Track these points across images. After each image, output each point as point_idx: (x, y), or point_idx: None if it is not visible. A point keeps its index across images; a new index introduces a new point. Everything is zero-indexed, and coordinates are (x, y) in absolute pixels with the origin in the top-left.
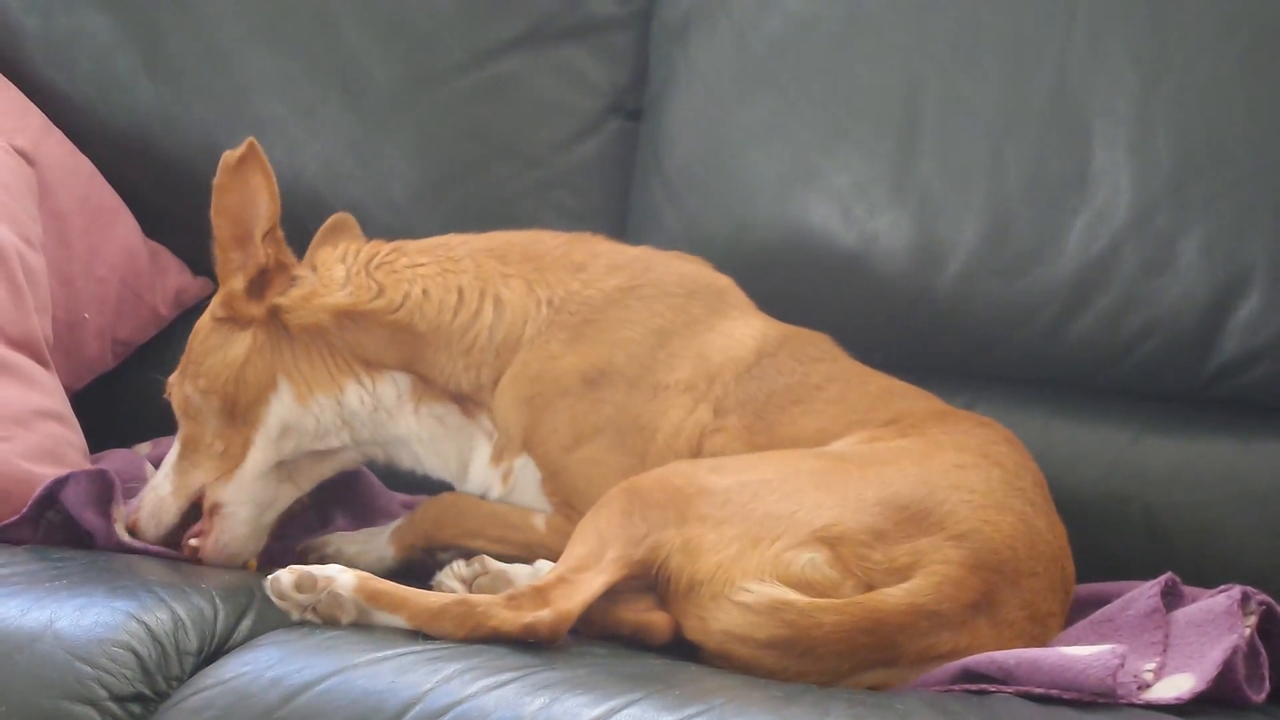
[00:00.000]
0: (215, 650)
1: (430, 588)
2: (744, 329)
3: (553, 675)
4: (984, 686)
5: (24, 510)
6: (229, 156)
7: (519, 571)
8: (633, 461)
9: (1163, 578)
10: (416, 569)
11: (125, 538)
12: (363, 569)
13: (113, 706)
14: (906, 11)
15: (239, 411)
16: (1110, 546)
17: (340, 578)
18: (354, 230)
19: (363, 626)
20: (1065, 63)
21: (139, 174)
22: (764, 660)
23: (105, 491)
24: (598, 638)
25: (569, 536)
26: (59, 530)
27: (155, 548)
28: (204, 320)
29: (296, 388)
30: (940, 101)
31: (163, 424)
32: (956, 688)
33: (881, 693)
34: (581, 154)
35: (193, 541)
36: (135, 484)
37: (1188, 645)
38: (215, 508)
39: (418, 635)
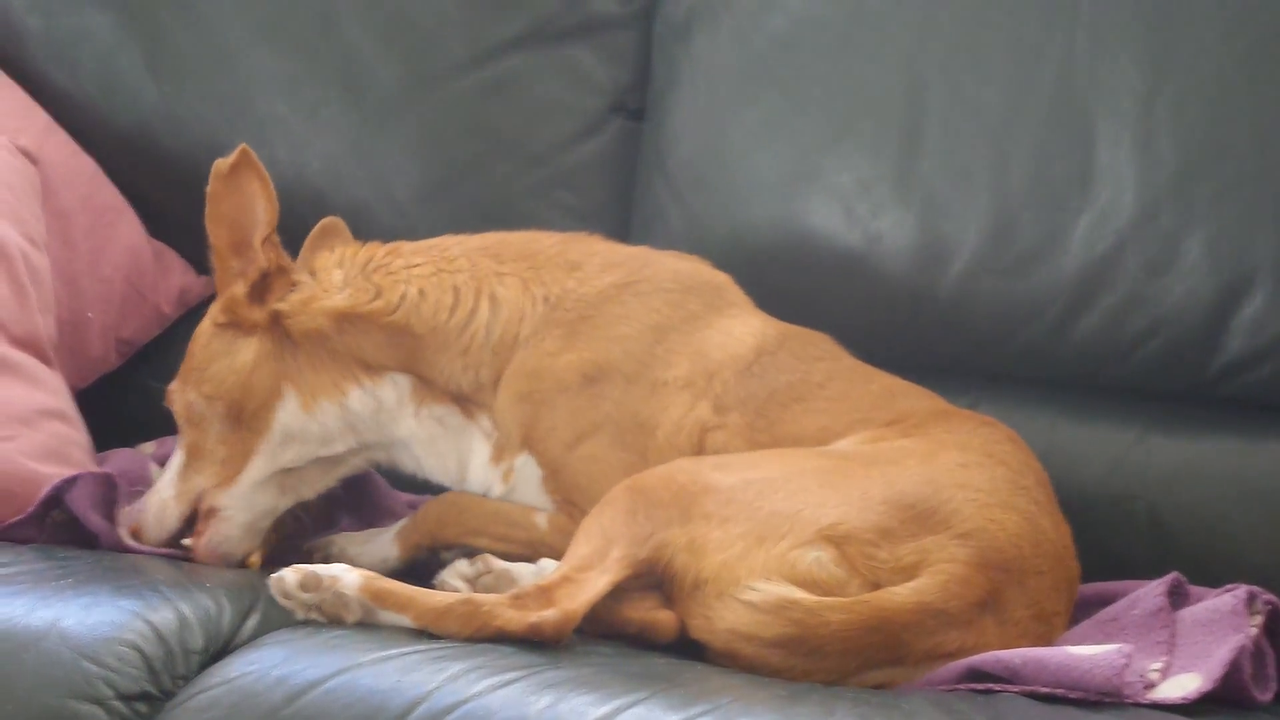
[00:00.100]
0: (221, 649)
1: (434, 587)
2: (742, 326)
3: (558, 674)
4: (990, 686)
5: (29, 510)
6: (221, 164)
7: (523, 570)
8: (633, 458)
9: (1168, 577)
10: (420, 568)
11: (129, 541)
12: (367, 568)
13: (118, 705)
14: (909, 10)
15: (244, 418)
16: (1115, 546)
17: (345, 577)
18: (344, 234)
19: (368, 626)
20: (1069, 62)
21: (142, 173)
22: (770, 659)
23: (109, 494)
24: (603, 636)
25: (571, 534)
26: (64, 530)
27: (159, 550)
28: (205, 326)
29: (301, 396)
30: (943, 100)
31: (167, 423)
32: (962, 687)
33: (887, 692)
34: (584, 153)
35: (186, 541)
36: (140, 484)
37: (1194, 645)
38: (212, 511)
39: (423, 634)
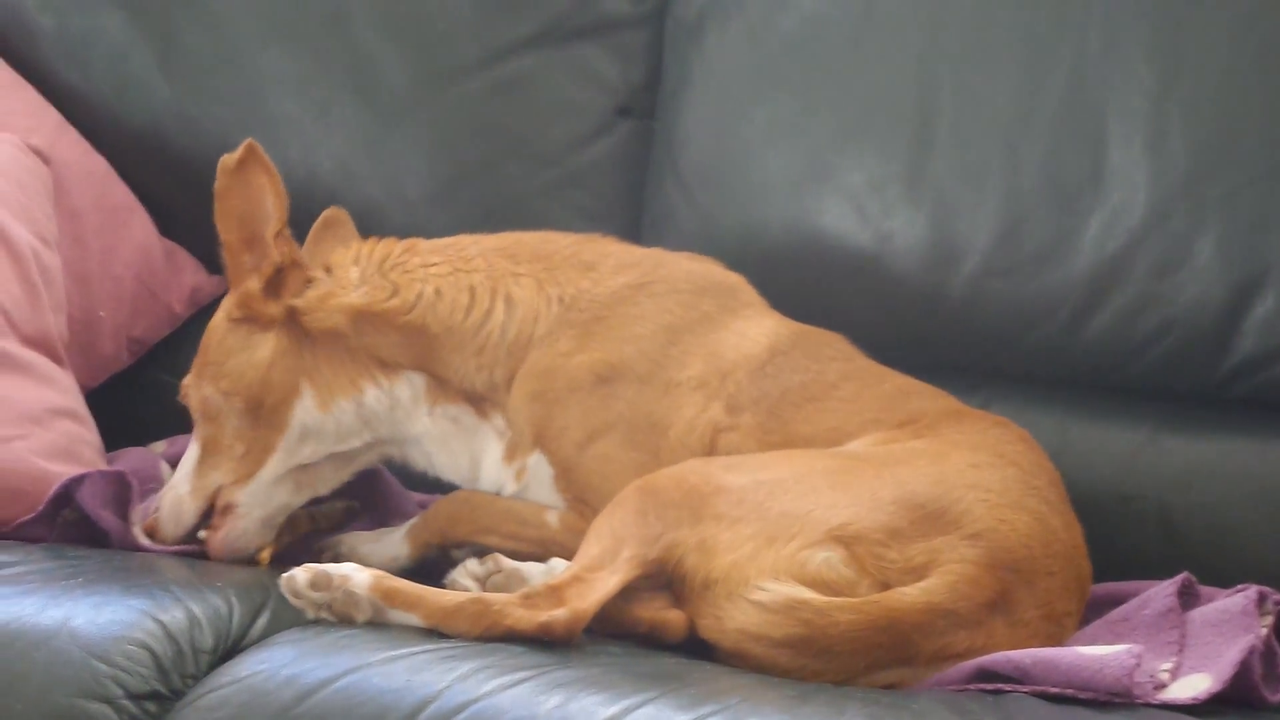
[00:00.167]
0: (230, 648)
1: (444, 586)
2: (756, 327)
3: (568, 674)
4: (1000, 686)
5: (40, 508)
6: (227, 160)
7: (533, 570)
8: (645, 458)
9: (1179, 577)
10: (431, 569)
11: (143, 541)
12: (377, 567)
13: (128, 704)
14: (920, 10)
15: (263, 414)
16: (1125, 546)
17: (355, 576)
18: (347, 225)
19: (378, 625)
20: (1080, 61)
21: (154, 173)
22: (779, 659)
23: (122, 492)
24: (612, 636)
25: (582, 533)
26: (74, 528)
27: (176, 548)
28: (219, 321)
29: (319, 393)
30: (955, 100)
31: (178, 422)
32: (972, 687)
33: (897, 692)
34: (595, 153)
35: (201, 533)
36: (152, 483)
37: (1204, 645)
38: (229, 507)
39: (432, 634)
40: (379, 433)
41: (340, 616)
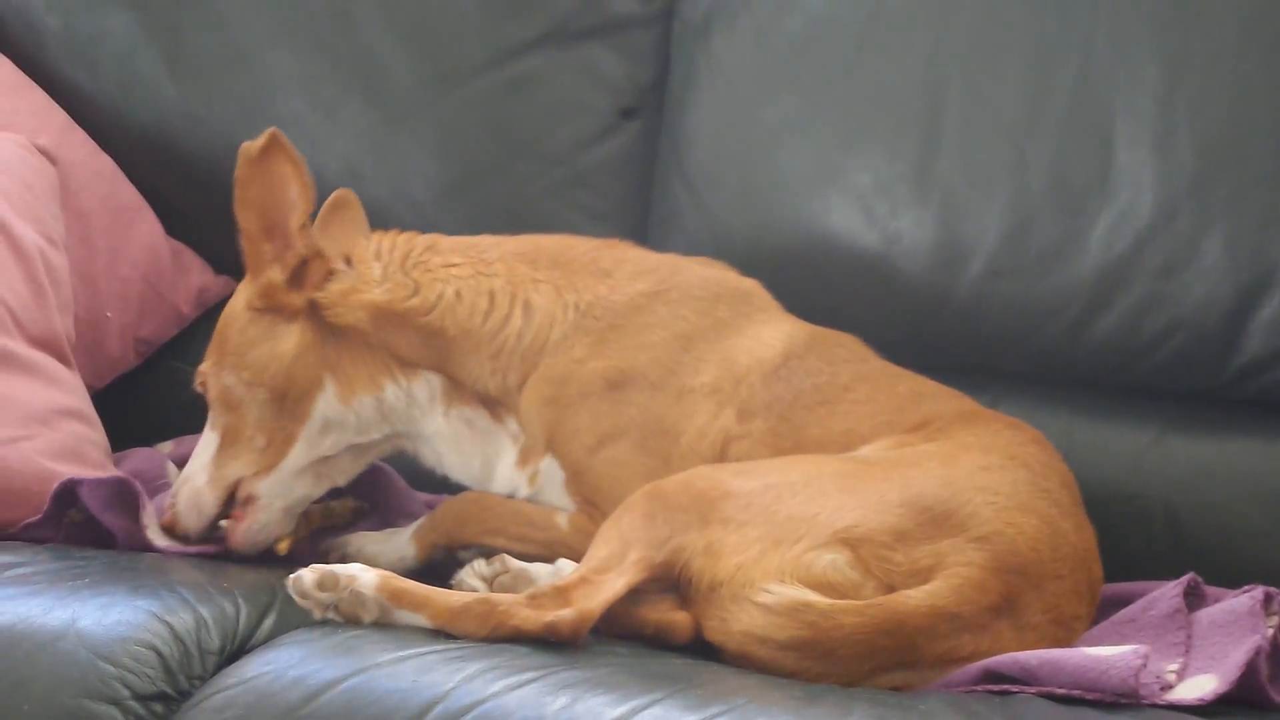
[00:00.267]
0: (237, 649)
1: (451, 587)
2: (771, 331)
3: (575, 674)
4: (1006, 687)
5: (44, 509)
6: (249, 147)
7: (540, 570)
8: (656, 464)
9: (1185, 578)
10: (438, 570)
11: (161, 542)
12: (384, 568)
13: (135, 705)
14: (928, 10)
15: (286, 406)
16: (1132, 546)
17: (362, 576)
18: (356, 208)
19: (384, 625)
20: (1087, 62)
21: (161, 173)
22: (784, 661)
23: (129, 499)
24: (619, 638)
25: (591, 535)
26: (81, 529)
27: (189, 548)
28: (237, 309)
29: (340, 387)
30: (962, 100)
31: (185, 422)
32: (979, 688)
33: (904, 693)
34: (602, 153)
35: (224, 522)
36: (159, 484)
37: (1210, 646)
38: (250, 499)
39: (439, 634)
40: (397, 427)
41: (347, 617)
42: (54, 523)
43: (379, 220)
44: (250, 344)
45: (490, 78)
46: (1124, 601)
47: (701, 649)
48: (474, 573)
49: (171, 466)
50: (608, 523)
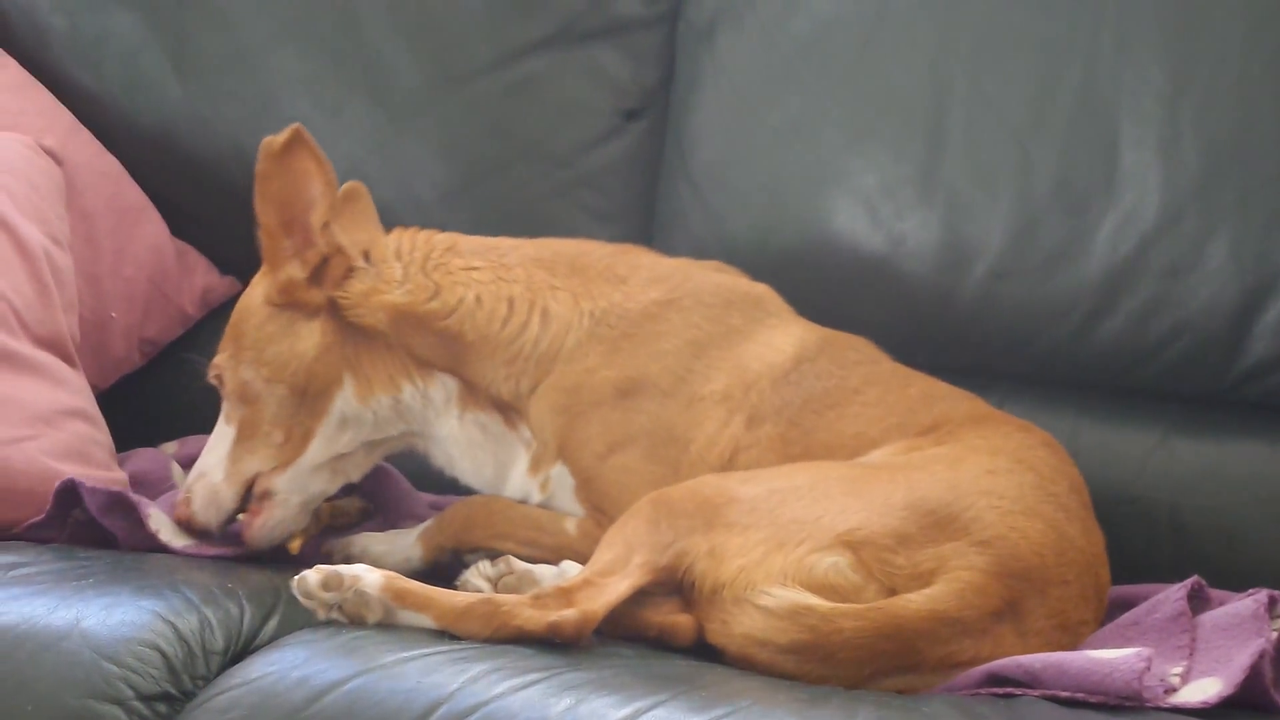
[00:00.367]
0: (241, 650)
1: (456, 588)
2: (783, 336)
3: (579, 676)
4: (1010, 690)
5: (48, 510)
6: (271, 142)
7: (544, 572)
8: (665, 472)
9: (1189, 581)
10: (443, 572)
11: (178, 543)
12: (390, 569)
13: (139, 706)
14: (933, 12)
15: (305, 402)
16: (1137, 548)
17: (367, 577)
18: (366, 200)
19: (389, 626)
20: (1093, 64)
21: (166, 173)
22: (784, 664)
23: (128, 510)
24: (623, 639)
25: (599, 541)
26: (85, 529)
27: (205, 550)
28: (255, 304)
29: (359, 386)
30: (967, 102)
31: (190, 423)
32: (983, 691)
33: (908, 696)
34: (607, 154)
35: (240, 516)
36: (166, 486)
37: (1214, 649)
38: (267, 494)
39: (444, 635)
40: (412, 426)
41: (351, 617)
42: (58, 523)
43: (384, 221)
44: (269, 340)
45: (495, 79)
46: (1128, 604)
47: (705, 652)
48: (479, 573)
49: (176, 467)
50: (613, 528)
